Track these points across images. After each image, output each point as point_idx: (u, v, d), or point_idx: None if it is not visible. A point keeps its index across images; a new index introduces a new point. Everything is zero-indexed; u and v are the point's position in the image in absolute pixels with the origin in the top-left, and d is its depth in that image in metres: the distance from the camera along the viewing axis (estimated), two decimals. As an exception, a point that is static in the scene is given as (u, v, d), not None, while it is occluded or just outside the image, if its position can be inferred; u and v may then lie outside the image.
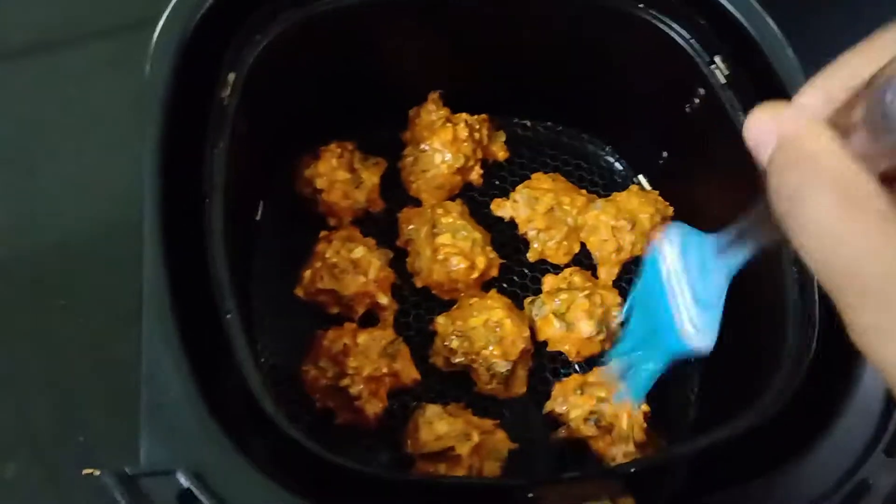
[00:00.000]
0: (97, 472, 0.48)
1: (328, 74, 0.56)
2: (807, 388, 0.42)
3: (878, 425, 0.40)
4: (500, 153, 0.63)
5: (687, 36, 0.53)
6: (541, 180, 0.61)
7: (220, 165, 0.43)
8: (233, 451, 0.35)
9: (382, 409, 0.50)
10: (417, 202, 0.60)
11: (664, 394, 0.54)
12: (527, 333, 0.53)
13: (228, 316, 0.39)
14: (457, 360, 0.52)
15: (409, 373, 0.51)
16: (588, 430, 0.50)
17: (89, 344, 0.53)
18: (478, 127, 0.60)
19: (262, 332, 0.53)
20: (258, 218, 0.57)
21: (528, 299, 0.56)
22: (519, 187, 0.60)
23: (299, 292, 0.53)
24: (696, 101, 0.54)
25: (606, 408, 0.50)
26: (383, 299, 0.54)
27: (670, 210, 0.59)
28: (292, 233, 0.57)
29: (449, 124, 0.59)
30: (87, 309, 0.55)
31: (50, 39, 0.66)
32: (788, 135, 0.22)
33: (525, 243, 0.60)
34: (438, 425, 0.48)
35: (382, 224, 0.59)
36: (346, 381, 0.49)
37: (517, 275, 0.59)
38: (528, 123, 0.66)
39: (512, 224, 0.60)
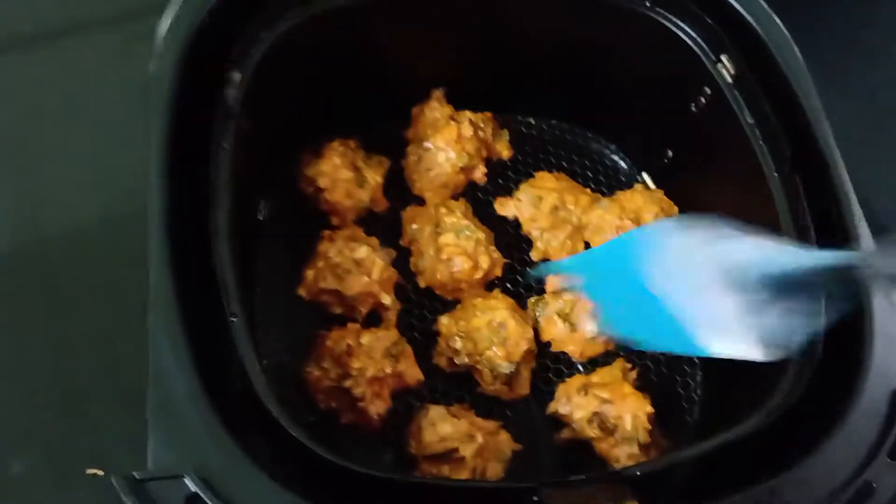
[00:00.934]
0: (101, 473, 0.48)
1: (332, 72, 0.55)
2: (812, 391, 0.42)
3: (882, 428, 0.40)
4: (504, 151, 0.62)
5: (693, 34, 0.53)
6: (545, 179, 0.60)
7: (226, 164, 0.43)
8: (239, 454, 0.35)
9: (386, 410, 0.50)
10: (421, 201, 0.59)
11: (667, 395, 0.55)
12: (530, 334, 0.53)
13: (234, 320, 0.39)
14: (460, 361, 0.52)
15: (413, 373, 0.51)
16: (592, 431, 0.50)
17: (96, 340, 0.53)
18: (482, 125, 0.60)
19: (265, 333, 0.52)
20: (261, 217, 0.57)
21: (532, 299, 0.56)
22: (523, 186, 0.60)
23: (302, 292, 0.53)
24: (703, 99, 0.54)
25: (610, 409, 0.50)
26: (386, 299, 0.54)
27: (675, 209, 0.59)
28: (295, 232, 0.56)
29: (453, 122, 0.59)
30: (95, 304, 0.54)
31: (53, 30, 0.66)
32: None
33: (529, 242, 0.59)
34: (442, 426, 0.48)
35: (386, 223, 0.58)
36: (349, 382, 0.48)
37: (521, 274, 0.58)
38: (533, 121, 0.65)
39: (516, 223, 0.60)
